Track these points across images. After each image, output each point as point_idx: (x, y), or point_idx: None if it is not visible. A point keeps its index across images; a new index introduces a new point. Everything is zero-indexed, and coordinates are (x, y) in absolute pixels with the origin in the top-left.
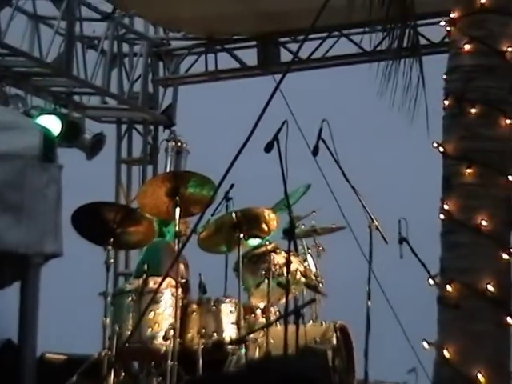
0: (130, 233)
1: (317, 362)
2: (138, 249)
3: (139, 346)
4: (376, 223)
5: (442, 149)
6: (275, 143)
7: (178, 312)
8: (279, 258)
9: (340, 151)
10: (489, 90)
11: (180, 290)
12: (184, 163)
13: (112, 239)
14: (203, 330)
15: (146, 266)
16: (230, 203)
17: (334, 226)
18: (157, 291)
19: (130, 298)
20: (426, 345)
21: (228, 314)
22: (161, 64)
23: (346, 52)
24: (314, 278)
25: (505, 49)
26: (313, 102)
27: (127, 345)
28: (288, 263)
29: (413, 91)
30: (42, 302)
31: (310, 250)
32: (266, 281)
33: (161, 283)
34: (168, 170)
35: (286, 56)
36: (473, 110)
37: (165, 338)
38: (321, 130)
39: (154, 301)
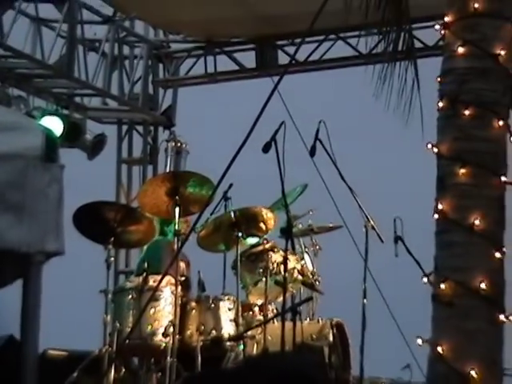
0: (130, 232)
1: (313, 359)
2: (138, 247)
3: (139, 343)
4: (372, 222)
5: (436, 149)
6: (273, 144)
7: (178, 309)
8: (277, 257)
9: (337, 152)
10: (482, 93)
11: (180, 287)
12: (183, 163)
13: (113, 238)
14: (202, 327)
15: (146, 265)
16: (228, 202)
17: (330, 225)
18: (156, 289)
19: (130, 296)
20: (420, 342)
21: (226, 311)
22: (161, 66)
23: (343, 55)
24: (310, 276)
25: (498, 52)
26: (310, 103)
27: (127, 341)
28: (285, 262)
29: (408, 93)
30: (43, 299)
31: (307, 249)
32: (264, 279)
33: (160, 281)
34: (168, 170)
35: (283, 58)
36: (466, 112)
37: (164, 335)
38: (318, 130)
39: (154, 298)
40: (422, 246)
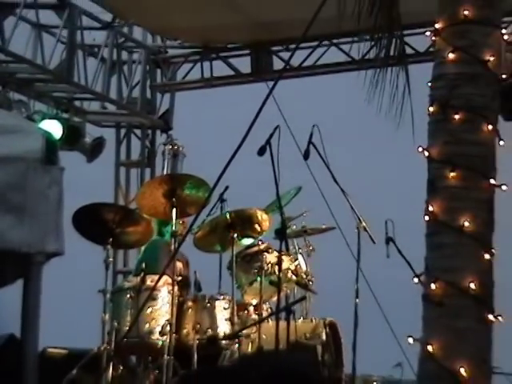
0: (128, 233)
1: (307, 357)
2: (136, 248)
3: (137, 341)
4: (364, 224)
5: (427, 153)
6: (268, 147)
7: (174, 309)
8: (271, 257)
9: (330, 155)
10: (472, 97)
11: (176, 287)
12: (180, 166)
13: (111, 239)
14: (198, 326)
15: (143, 265)
16: (224, 204)
17: (323, 227)
18: (154, 289)
19: (128, 295)
20: (411, 340)
21: (222, 310)
22: (158, 71)
23: (336, 60)
24: (304, 276)
25: (487, 58)
26: (304, 108)
27: (125, 340)
28: (280, 262)
29: (399, 98)
30: (43, 298)
31: (300, 250)
32: (259, 279)
33: (157, 281)
34: (165, 173)
35: (278, 64)
36: (456, 116)
37: (161, 334)
38: (311, 134)
39: (152, 298)
40: (413, 247)
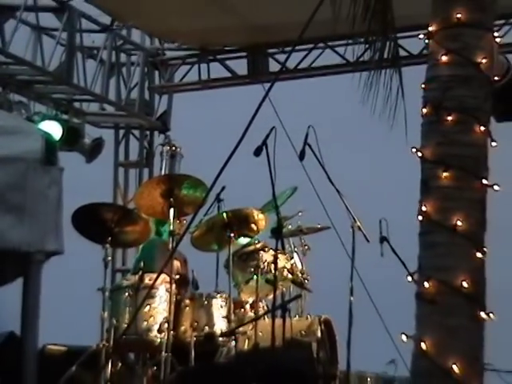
0: (126, 232)
1: (302, 354)
2: (135, 247)
3: (135, 338)
4: (358, 223)
5: (420, 154)
6: (264, 148)
7: (172, 306)
8: (267, 256)
9: (325, 156)
10: (464, 99)
11: (174, 285)
12: (178, 166)
13: (110, 238)
14: (195, 324)
15: (141, 264)
16: (221, 204)
17: (319, 226)
18: (152, 287)
19: (126, 294)
20: (404, 338)
21: (219, 308)
22: (156, 73)
23: (331, 62)
24: (300, 274)
25: (479, 60)
26: (300, 109)
27: (124, 337)
28: (275, 261)
29: (393, 100)
30: (43, 296)
31: (296, 249)
32: (255, 277)
33: (156, 279)
34: (163, 173)
35: (274, 66)
36: (449, 118)
37: (159, 331)
38: (307, 135)
39: (150, 296)
40: (407, 246)
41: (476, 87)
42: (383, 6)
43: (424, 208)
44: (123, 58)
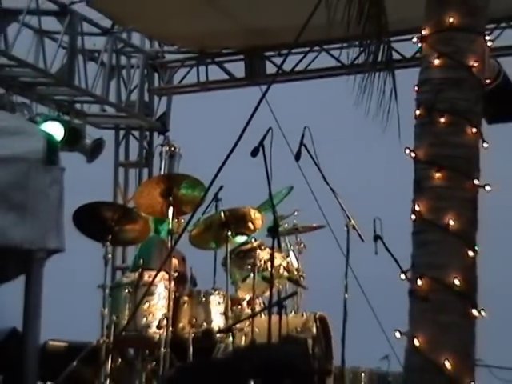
0: (126, 230)
1: (298, 350)
2: (134, 245)
3: (135, 335)
4: (353, 222)
5: (413, 154)
6: (261, 148)
7: (171, 303)
8: (264, 254)
9: (320, 156)
10: (456, 101)
11: (173, 282)
12: (177, 166)
13: (110, 236)
14: (194, 320)
15: (141, 261)
16: (219, 203)
17: (314, 225)
18: (151, 284)
19: (126, 290)
20: (398, 334)
21: (216, 305)
22: (156, 75)
23: (326, 65)
24: (295, 272)
25: (471, 63)
26: (296, 110)
27: (124, 333)
28: (272, 259)
29: (386, 102)
30: (45, 293)
31: (292, 247)
32: (252, 275)
33: (155, 277)
34: (162, 173)
35: (271, 68)
36: (442, 120)
37: (158, 327)
38: (303, 136)
39: (149, 293)
40: (400, 245)
41: (468, 90)
42: (377, 11)
43: (417, 207)
44: (123, 60)
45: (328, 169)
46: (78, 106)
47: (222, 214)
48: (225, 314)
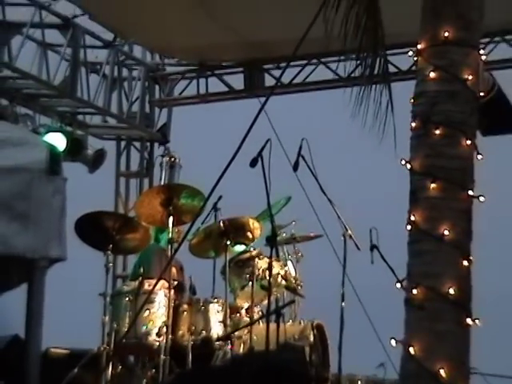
0: (127, 239)
1: (295, 357)
2: (135, 254)
3: (135, 342)
4: (350, 232)
5: (409, 165)
6: (259, 159)
7: (171, 311)
8: (262, 263)
9: (318, 167)
10: (451, 114)
11: (172, 291)
12: (177, 176)
13: (111, 245)
14: (193, 328)
15: (141, 270)
16: (218, 213)
17: (311, 235)
18: (151, 292)
19: (127, 299)
20: (393, 342)
21: (215, 313)
22: (157, 87)
23: (324, 78)
24: (293, 281)
25: (466, 76)
26: (294, 122)
27: (124, 340)
28: (270, 268)
29: (383, 114)
30: (46, 301)
31: (290, 256)
32: (250, 283)
33: (155, 285)
34: (162, 183)
35: (269, 81)
36: (437, 131)
37: (158, 335)
38: (301, 147)
39: (149, 301)
40: (396, 254)
41: (462, 102)
42: (374, 24)
43: (412, 217)
44: (125, 72)
45: (325, 179)
46: (80, 117)
47: (221, 223)
48: (223, 321)
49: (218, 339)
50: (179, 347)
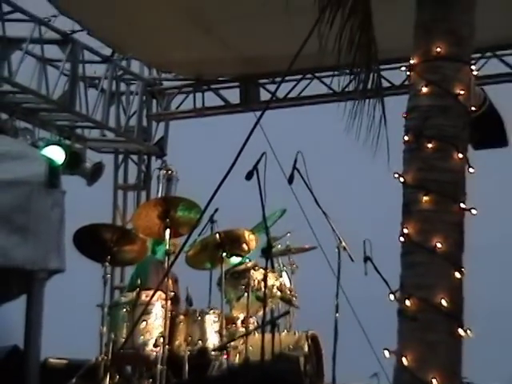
0: (125, 251)
1: (290, 367)
2: (133, 265)
3: (132, 352)
4: (344, 244)
5: (402, 179)
6: (255, 172)
7: (167, 322)
8: (258, 275)
9: (312, 180)
10: (443, 128)
11: (169, 302)
12: (174, 189)
13: (109, 257)
14: (189, 338)
15: (139, 281)
16: (214, 225)
17: (306, 246)
18: (148, 303)
19: (124, 310)
20: (387, 353)
21: (212, 323)
22: (154, 101)
23: (318, 92)
24: (288, 292)
25: (457, 91)
26: (289, 136)
27: (121, 351)
28: (265, 279)
29: (376, 128)
30: (45, 312)
31: (285, 268)
32: (246, 294)
33: (152, 296)
34: (159, 195)
35: (265, 95)
36: (429, 145)
37: (155, 345)
38: (296, 160)
39: (146, 312)
40: (389, 266)
41: (454, 117)
42: (367, 40)
43: (405, 230)
44: (123, 87)
45: (320, 192)
46: (78, 131)
47: (218, 235)
48: (219, 332)
49: (214, 349)
50: (176, 357)
